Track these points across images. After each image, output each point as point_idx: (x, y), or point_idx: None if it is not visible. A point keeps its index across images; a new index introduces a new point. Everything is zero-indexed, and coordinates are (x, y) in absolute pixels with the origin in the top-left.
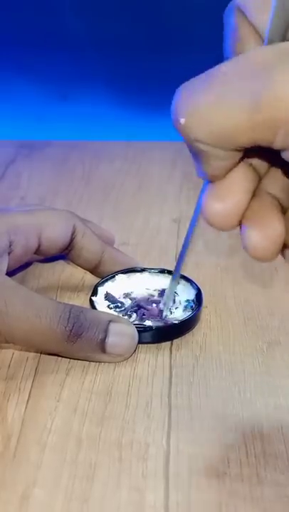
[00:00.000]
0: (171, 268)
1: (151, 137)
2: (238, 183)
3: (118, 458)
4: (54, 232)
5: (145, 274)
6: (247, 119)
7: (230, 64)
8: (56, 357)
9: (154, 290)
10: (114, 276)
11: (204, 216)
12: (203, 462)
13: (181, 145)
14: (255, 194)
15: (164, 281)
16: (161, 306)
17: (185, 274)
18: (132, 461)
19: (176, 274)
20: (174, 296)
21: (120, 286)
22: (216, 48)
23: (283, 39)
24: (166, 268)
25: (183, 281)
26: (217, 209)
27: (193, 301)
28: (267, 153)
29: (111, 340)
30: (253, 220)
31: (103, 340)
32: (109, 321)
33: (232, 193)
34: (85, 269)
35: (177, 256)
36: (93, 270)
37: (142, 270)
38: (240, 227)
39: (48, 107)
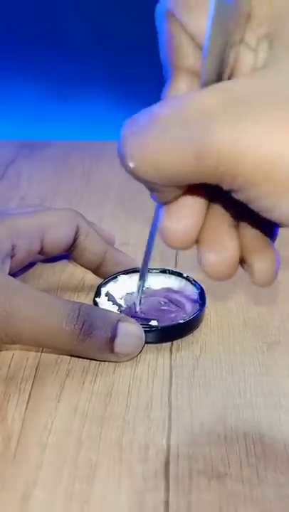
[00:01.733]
0: (172, 268)
1: None
2: (190, 204)
3: (118, 458)
4: (57, 234)
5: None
6: (191, 166)
7: (172, 108)
8: (56, 357)
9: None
10: (116, 277)
11: (161, 234)
12: (203, 463)
13: None
14: (208, 211)
15: (165, 281)
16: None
17: (188, 275)
18: (132, 461)
19: (143, 275)
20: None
21: (122, 286)
22: None
23: (219, 78)
24: (167, 268)
25: (185, 281)
26: (171, 228)
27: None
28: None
29: (120, 339)
30: (208, 242)
31: (112, 340)
32: (118, 321)
33: (185, 213)
34: (86, 268)
35: (177, 256)
36: (95, 270)
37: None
38: (197, 248)
39: (48, 107)
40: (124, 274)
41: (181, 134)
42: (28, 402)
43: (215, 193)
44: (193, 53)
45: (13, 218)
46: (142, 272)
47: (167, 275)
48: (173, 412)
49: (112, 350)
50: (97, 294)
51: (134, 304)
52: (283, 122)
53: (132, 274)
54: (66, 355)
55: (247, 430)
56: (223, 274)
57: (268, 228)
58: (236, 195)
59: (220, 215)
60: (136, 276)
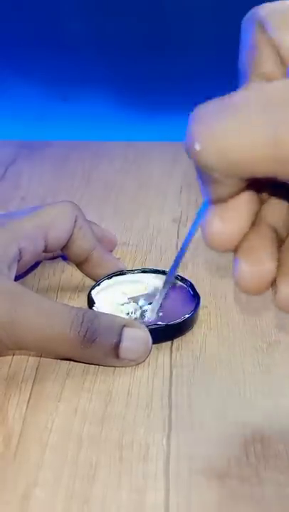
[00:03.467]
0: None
1: (151, 137)
2: (240, 207)
3: (119, 458)
4: (59, 230)
5: (128, 277)
6: (267, 153)
7: (248, 93)
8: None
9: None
10: (100, 283)
11: (203, 234)
12: (203, 462)
13: (181, 146)
14: (254, 222)
15: (152, 281)
16: (149, 308)
17: (181, 274)
18: (132, 461)
19: (167, 282)
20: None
21: (111, 292)
22: (216, 49)
23: None
24: (147, 268)
25: (177, 281)
26: (217, 229)
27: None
28: (271, 183)
29: (125, 345)
30: (247, 253)
31: (117, 345)
32: (123, 326)
33: (234, 215)
34: (71, 261)
35: (177, 256)
36: (79, 265)
37: (125, 273)
38: (234, 257)
39: (48, 107)
40: (107, 278)
41: (260, 116)
42: (28, 402)
43: (269, 196)
44: (273, 62)
45: (16, 222)
46: (168, 278)
47: (152, 274)
48: (173, 412)
49: (117, 356)
50: (91, 302)
51: (153, 311)
52: None
53: (115, 278)
54: (72, 361)
55: (247, 430)
56: (253, 287)
57: None
58: None
59: (264, 228)
60: (119, 279)
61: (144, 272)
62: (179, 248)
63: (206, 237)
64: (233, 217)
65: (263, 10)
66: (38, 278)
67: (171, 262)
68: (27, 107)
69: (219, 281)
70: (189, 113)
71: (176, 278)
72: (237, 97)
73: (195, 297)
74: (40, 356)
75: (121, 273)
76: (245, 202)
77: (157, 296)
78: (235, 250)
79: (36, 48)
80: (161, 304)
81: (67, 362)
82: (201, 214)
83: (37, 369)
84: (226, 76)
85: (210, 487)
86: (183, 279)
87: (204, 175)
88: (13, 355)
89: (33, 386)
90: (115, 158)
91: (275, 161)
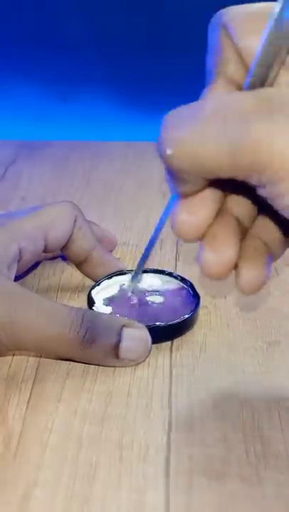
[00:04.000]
0: (171, 268)
1: (152, 137)
2: (205, 200)
3: (119, 458)
4: (59, 230)
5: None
6: (226, 160)
7: (215, 102)
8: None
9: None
10: (100, 283)
11: (172, 225)
12: (203, 462)
13: None
14: (220, 212)
15: (151, 281)
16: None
17: (180, 274)
18: (132, 461)
19: (137, 272)
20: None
21: (109, 291)
22: None
23: (261, 85)
24: (149, 268)
25: (176, 281)
26: (184, 221)
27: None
28: (234, 180)
29: (124, 345)
30: (210, 240)
31: (117, 346)
32: (123, 326)
33: (199, 207)
34: (70, 261)
35: (177, 256)
36: (78, 265)
37: (126, 273)
38: (200, 245)
39: (48, 107)
40: (107, 278)
41: (220, 128)
42: (28, 402)
43: (231, 192)
44: (236, 65)
45: (15, 222)
46: (140, 263)
47: (151, 274)
48: (173, 412)
49: (117, 356)
50: (91, 302)
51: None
52: None
53: (115, 278)
54: (72, 361)
55: (247, 430)
56: (216, 273)
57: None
58: (261, 192)
59: (229, 218)
60: (119, 279)
61: (144, 272)
62: (179, 248)
63: (174, 227)
64: (197, 209)
65: (227, 14)
66: (38, 278)
67: (170, 262)
68: (27, 107)
69: (219, 282)
70: (159, 134)
71: (176, 278)
72: (202, 106)
73: (195, 297)
74: (40, 356)
75: (121, 273)
76: (209, 196)
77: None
78: (200, 240)
79: (36, 48)
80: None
81: (67, 362)
82: (169, 207)
83: (37, 369)
84: None
85: (210, 487)
86: (183, 279)
87: (173, 174)
88: (13, 355)
89: (33, 386)
90: (115, 158)
91: (232, 166)
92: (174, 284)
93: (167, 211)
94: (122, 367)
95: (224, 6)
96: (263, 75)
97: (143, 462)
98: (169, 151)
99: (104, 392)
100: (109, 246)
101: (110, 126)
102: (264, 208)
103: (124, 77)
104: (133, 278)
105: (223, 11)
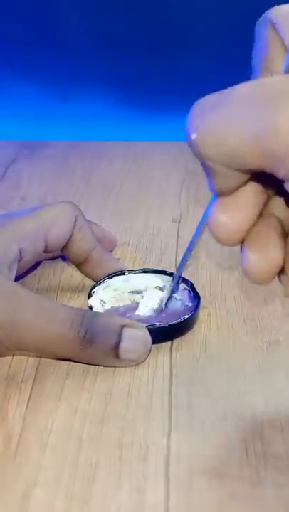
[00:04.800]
0: (171, 269)
1: (152, 137)
2: (245, 200)
3: (119, 458)
4: (60, 231)
5: (130, 276)
6: (251, 147)
7: (243, 88)
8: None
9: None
10: (101, 283)
11: (210, 227)
12: (203, 462)
13: (182, 145)
14: (261, 215)
15: (152, 281)
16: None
17: (171, 271)
18: (132, 461)
19: (175, 278)
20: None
21: (110, 291)
22: (217, 48)
23: None
24: (148, 268)
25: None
26: (223, 222)
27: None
28: (274, 177)
29: (124, 345)
30: (254, 242)
31: (117, 346)
32: (123, 326)
33: (239, 208)
34: (70, 261)
35: (177, 257)
36: (78, 266)
37: (127, 273)
38: (241, 247)
39: (48, 107)
40: (108, 278)
41: (246, 111)
42: (28, 402)
43: (275, 192)
44: (282, 62)
45: (16, 222)
46: (177, 273)
47: (152, 274)
48: (173, 412)
49: (117, 356)
50: (91, 301)
51: (161, 305)
52: None
53: (115, 278)
54: (72, 361)
55: (247, 430)
56: (261, 278)
57: None
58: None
59: (272, 220)
60: (119, 279)
61: (144, 272)
62: (179, 248)
63: (212, 230)
64: (238, 209)
65: (274, 12)
66: (38, 278)
67: (171, 262)
68: (27, 106)
69: (219, 282)
70: (187, 120)
71: (172, 280)
72: (232, 91)
73: (196, 298)
74: (40, 356)
75: (121, 273)
76: (250, 195)
77: (164, 294)
78: (242, 242)
79: (36, 48)
80: (165, 305)
81: (67, 362)
82: (208, 210)
83: (37, 369)
84: (227, 76)
85: (210, 487)
86: (184, 280)
87: (205, 166)
88: (13, 355)
89: (33, 386)
90: (115, 158)
91: (258, 153)
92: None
93: (204, 217)
94: (122, 367)
95: (225, 6)
96: None
97: (143, 462)
98: (193, 136)
99: (104, 392)
100: (110, 246)
101: (110, 126)
102: None
103: (124, 77)
104: (169, 295)
105: (271, 9)
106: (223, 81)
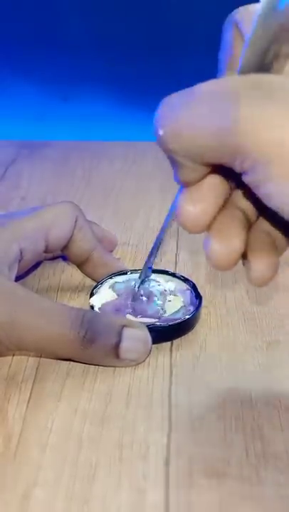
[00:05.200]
0: (171, 269)
1: (152, 138)
2: (209, 191)
3: (119, 458)
4: (60, 231)
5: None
6: (212, 142)
7: (206, 87)
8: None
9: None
10: (102, 283)
11: (177, 216)
12: (203, 462)
13: None
14: (225, 205)
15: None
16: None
17: (183, 274)
18: (132, 461)
19: (144, 271)
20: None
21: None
22: (217, 48)
23: (255, 70)
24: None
25: (179, 281)
26: (188, 211)
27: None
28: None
29: (125, 345)
30: (217, 231)
31: (117, 346)
32: (123, 326)
33: (203, 198)
34: (71, 261)
35: (177, 256)
36: (79, 266)
37: (129, 273)
38: (206, 236)
39: (48, 107)
40: (109, 278)
41: (207, 109)
42: (28, 402)
43: (235, 184)
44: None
45: (16, 222)
46: (149, 258)
47: (153, 274)
48: (173, 412)
49: (117, 356)
50: (92, 301)
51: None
52: None
53: (116, 278)
54: (72, 361)
55: (247, 430)
56: (223, 264)
57: (285, 229)
58: (246, 178)
59: (235, 210)
60: (121, 278)
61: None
62: (179, 248)
63: (178, 218)
64: (202, 199)
65: (238, 13)
66: (38, 278)
67: (171, 262)
68: (27, 106)
69: (219, 281)
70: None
71: (179, 278)
72: (196, 89)
73: (197, 298)
74: (40, 356)
75: (124, 273)
76: (213, 185)
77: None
78: (207, 231)
79: (36, 48)
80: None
81: (67, 362)
82: (175, 200)
83: (37, 369)
84: None
85: (210, 487)
86: (186, 280)
87: (171, 159)
88: (13, 355)
89: (33, 386)
90: (115, 158)
91: (218, 148)
92: (176, 284)
93: (173, 205)
94: (123, 367)
95: (225, 6)
96: (255, 60)
97: (143, 462)
98: (160, 132)
99: (104, 392)
100: (110, 246)
101: (110, 126)
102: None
103: (124, 77)
104: (141, 279)
105: (236, 10)
106: None
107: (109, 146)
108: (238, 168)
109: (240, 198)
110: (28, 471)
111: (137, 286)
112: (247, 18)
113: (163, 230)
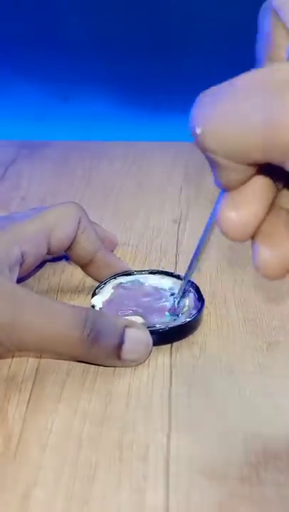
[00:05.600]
0: (171, 269)
1: (152, 138)
2: (253, 195)
3: (118, 458)
4: (63, 233)
5: (137, 276)
6: (258, 139)
7: (248, 78)
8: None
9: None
10: (105, 283)
11: (218, 224)
12: (203, 462)
13: (182, 145)
14: (271, 209)
15: (158, 282)
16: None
17: (179, 273)
18: (132, 461)
19: (186, 279)
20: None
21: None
22: (217, 48)
23: None
24: (155, 269)
25: (180, 282)
26: (231, 218)
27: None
28: (283, 169)
29: (127, 346)
30: (266, 237)
31: (120, 346)
32: (125, 327)
33: (247, 203)
34: (75, 263)
35: (177, 257)
36: (83, 267)
37: (133, 274)
38: (252, 243)
39: (48, 107)
40: (113, 278)
41: (252, 102)
42: (28, 402)
43: (283, 185)
44: (286, 48)
45: (18, 224)
46: (188, 270)
47: (158, 275)
48: (173, 412)
49: (119, 357)
50: (94, 300)
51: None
52: None
53: (120, 279)
54: (72, 361)
55: (247, 430)
56: (274, 272)
57: None
58: None
59: (282, 213)
60: (125, 279)
61: (151, 273)
62: (179, 248)
63: (220, 226)
64: (246, 203)
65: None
66: (38, 278)
67: (171, 262)
68: (27, 106)
69: (219, 282)
70: (190, 113)
71: (182, 280)
72: (236, 81)
73: (199, 301)
74: (40, 357)
75: (128, 273)
76: (258, 188)
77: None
78: (253, 238)
79: (36, 48)
80: (178, 303)
81: (67, 362)
82: (215, 207)
83: (37, 369)
84: (226, 76)
85: (210, 487)
86: (189, 282)
87: (211, 160)
88: (13, 356)
89: (32, 387)
90: (115, 158)
91: (267, 146)
92: (180, 286)
93: (215, 211)
94: (123, 367)
95: (225, 6)
96: None
97: (143, 462)
98: (198, 130)
99: (104, 392)
100: (110, 246)
101: (110, 126)
102: None
103: (124, 77)
104: (180, 296)
105: None
106: (223, 81)
107: (109, 146)
108: (288, 168)
109: (287, 200)
110: (28, 471)
111: (177, 301)
112: (286, 4)
113: (202, 241)
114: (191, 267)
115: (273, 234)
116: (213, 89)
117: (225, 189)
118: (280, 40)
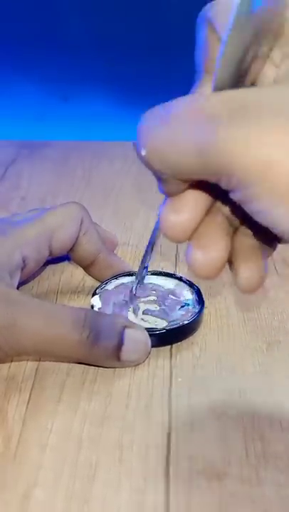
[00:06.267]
0: (171, 269)
1: None
2: (192, 201)
3: (118, 458)
4: (64, 235)
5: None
6: (194, 161)
7: (183, 107)
8: None
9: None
10: (106, 283)
11: (160, 225)
12: (203, 463)
13: None
14: (209, 212)
15: (160, 283)
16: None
17: (185, 276)
18: (132, 461)
19: (138, 277)
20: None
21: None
22: None
23: (235, 84)
24: (159, 270)
25: (182, 283)
26: (171, 220)
27: (188, 303)
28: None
29: (126, 347)
30: (200, 239)
31: (119, 348)
32: (125, 327)
33: (186, 208)
34: (77, 264)
35: (177, 256)
36: (86, 268)
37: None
38: (188, 244)
39: (48, 107)
40: (114, 279)
41: (188, 131)
42: (28, 402)
43: (219, 195)
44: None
45: (19, 229)
46: (144, 259)
47: (162, 277)
48: (173, 413)
49: (118, 358)
50: (94, 301)
51: (133, 288)
52: (283, 129)
53: (122, 279)
54: (72, 363)
55: (247, 430)
56: (206, 273)
57: (268, 237)
58: (233, 196)
59: (218, 217)
60: (125, 279)
61: (153, 274)
62: (179, 248)
63: (161, 228)
64: (185, 208)
65: (211, 10)
66: (38, 279)
67: (171, 262)
68: (27, 106)
69: (219, 282)
70: (136, 132)
71: (185, 282)
72: (175, 107)
73: (199, 303)
74: (40, 359)
75: (129, 274)
76: (196, 195)
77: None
78: (189, 239)
79: (36, 48)
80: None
81: (67, 363)
82: (160, 210)
83: (37, 370)
84: None
85: (210, 487)
86: (191, 284)
87: (155, 174)
88: (12, 360)
89: (32, 387)
90: (115, 158)
91: (201, 169)
92: (181, 288)
93: (159, 214)
94: (123, 367)
95: None
96: (230, 74)
97: (143, 462)
98: (143, 153)
99: (104, 393)
100: (111, 246)
101: (110, 126)
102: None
103: (124, 77)
104: (137, 280)
105: (208, 6)
106: None
107: (109, 146)
108: (223, 186)
109: (223, 203)
110: (28, 471)
111: (134, 288)
112: (221, 14)
113: (150, 244)
114: (146, 256)
115: (206, 237)
116: (154, 111)
117: (167, 195)
118: (216, 51)
